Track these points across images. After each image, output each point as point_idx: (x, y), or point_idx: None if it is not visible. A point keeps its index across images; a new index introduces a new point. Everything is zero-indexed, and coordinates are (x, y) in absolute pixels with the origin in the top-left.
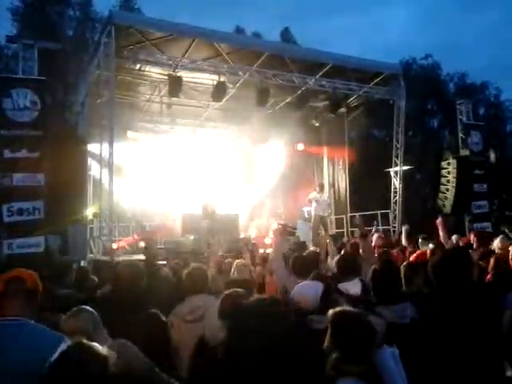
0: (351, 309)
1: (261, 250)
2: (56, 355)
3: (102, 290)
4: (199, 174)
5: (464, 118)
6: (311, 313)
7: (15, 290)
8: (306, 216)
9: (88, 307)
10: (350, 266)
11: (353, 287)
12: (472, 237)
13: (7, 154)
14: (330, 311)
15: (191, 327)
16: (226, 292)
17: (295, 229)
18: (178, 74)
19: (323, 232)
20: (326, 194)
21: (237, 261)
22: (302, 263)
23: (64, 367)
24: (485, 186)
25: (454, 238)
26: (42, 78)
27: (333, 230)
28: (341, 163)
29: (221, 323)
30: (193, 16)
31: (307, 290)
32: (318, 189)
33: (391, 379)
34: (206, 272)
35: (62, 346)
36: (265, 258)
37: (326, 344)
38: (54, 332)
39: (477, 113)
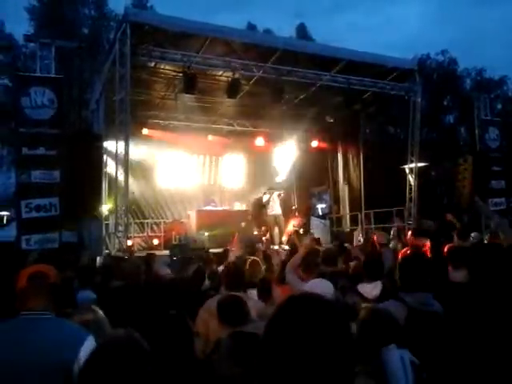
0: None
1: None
2: (97, 347)
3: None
4: (213, 170)
5: (481, 114)
6: None
7: (39, 286)
8: (320, 213)
9: (95, 306)
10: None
11: (373, 289)
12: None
13: (25, 151)
14: (363, 309)
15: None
16: None
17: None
18: (193, 71)
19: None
20: (276, 193)
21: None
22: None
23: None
24: (502, 182)
25: None
26: (59, 76)
27: (347, 227)
28: (355, 160)
29: None
30: (204, 13)
31: (321, 285)
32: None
33: (395, 381)
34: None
35: (90, 340)
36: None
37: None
38: (80, 327)
39: (494, 108)
